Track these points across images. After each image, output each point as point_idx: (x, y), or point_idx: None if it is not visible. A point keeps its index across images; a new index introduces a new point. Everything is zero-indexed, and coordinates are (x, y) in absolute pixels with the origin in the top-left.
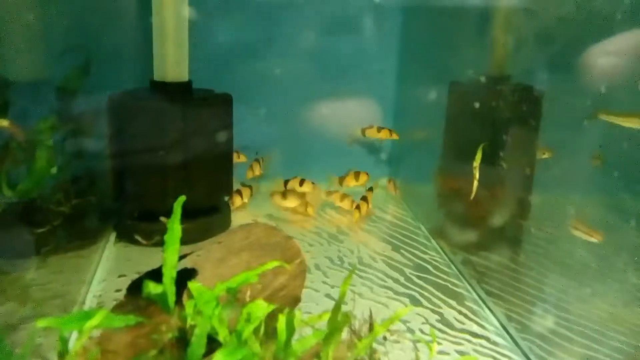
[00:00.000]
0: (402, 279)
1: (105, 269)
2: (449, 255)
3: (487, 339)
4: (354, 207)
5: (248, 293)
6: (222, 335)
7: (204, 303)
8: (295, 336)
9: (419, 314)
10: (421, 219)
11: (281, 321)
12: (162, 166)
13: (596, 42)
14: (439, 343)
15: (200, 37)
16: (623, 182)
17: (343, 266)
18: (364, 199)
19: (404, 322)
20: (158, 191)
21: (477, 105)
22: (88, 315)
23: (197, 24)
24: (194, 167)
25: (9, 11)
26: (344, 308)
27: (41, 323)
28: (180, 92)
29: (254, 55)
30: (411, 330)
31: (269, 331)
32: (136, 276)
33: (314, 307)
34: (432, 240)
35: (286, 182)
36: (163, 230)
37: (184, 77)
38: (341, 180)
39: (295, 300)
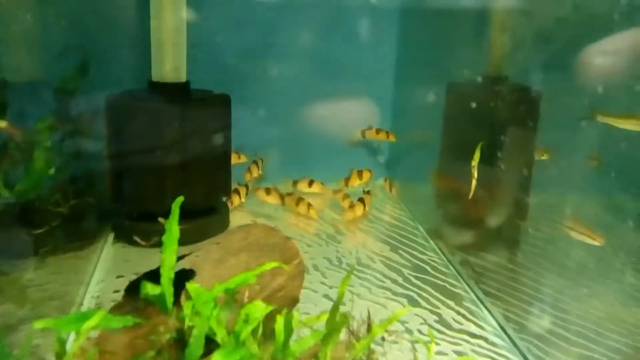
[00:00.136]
0: (400, 280)
1: (104, 269)
2: (447, 255)
3: (485, 340)
4: (348, 205)
5: (246, 294)
6: (220, 336)
7: (202, 304)
8: (294, 337)
9: (417, 315)
10: (419, 220)
11: (279, 322)
12: (160, 167)
13: (593, 42)
14: (437, 343)
15: (199, 37)
16: (620, 182)
17: (341, 267)
18: (361, 200)
19: (402, 322)
20: (156, 192)
21: (474, 105)
22: (86, 316)
23: (196, 24)
24: (192, 167)
25: (7, 12)
26: (342, 309)
27: (39, 324)
28: (178, 92)
29: (252, 56)
30: (409, 331)
31: (267, 332)
32: (134, 277)
33: (312, 308)
34: (430, 241)
35: (295, 183)
36: (161, 231)
37: (182, 77)
38: (346, 181)
39: (294, 301)
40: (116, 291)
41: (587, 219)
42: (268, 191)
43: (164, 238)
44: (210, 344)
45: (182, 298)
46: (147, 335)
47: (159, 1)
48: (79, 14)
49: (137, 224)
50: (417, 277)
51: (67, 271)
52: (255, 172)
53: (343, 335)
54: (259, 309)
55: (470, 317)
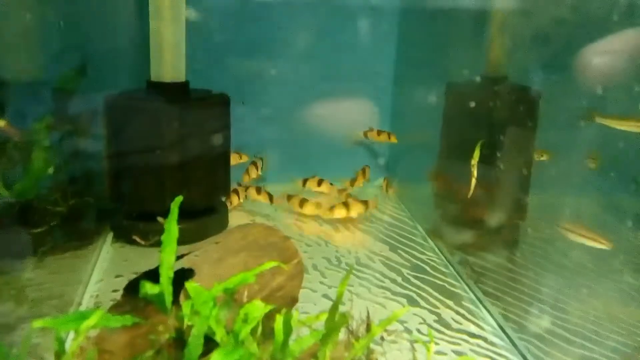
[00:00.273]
0: (399, 279)
1: (102, 269)
2: (446, 255)
3: (485, 339)
4: (329, 206)
5: (245, 293)
6: (219, 335)
7: (201, 303)
8: (293, 336)
9: (416, 314)
10: (418, 219)
11: (278, 321)
12: (159, 166)
13: (592, 43)
14: (436, 343)
15: (198, 37)
16: (619, 182)
17: (340, 266)
18: (345, 204)
19: (402, 322)
20: (155, 191)
21: (474, 105)
22: (85, 315)
23: (196, 23)
24: (191, 167)
25: (5, 11)
26: (341, 308)
27: (38, 323)
28: (177, 92)
29: (251, 56)
30: (409, 331)
31: (266, 331)
32: (133, 276)
33: (311, 308)
34: (430, 241)
35: (304, 182)
36: (160, 230)
37: (181, 77)
38: (352, 182)
39: (293, 301)
40: (115, 290)
41: (587, 219)
42: (259, 190)
43: (163, 238)
44: (210, 343)
45: (181, 297)
46: (146, 335)
47: (158, 0)
48: (78, 14)
49: (136, 223)
50: (416, 277)
51: (66, 270)
52: (254, 174)
53: (342, 334)
54: (258, 309)
55: (469, 316)
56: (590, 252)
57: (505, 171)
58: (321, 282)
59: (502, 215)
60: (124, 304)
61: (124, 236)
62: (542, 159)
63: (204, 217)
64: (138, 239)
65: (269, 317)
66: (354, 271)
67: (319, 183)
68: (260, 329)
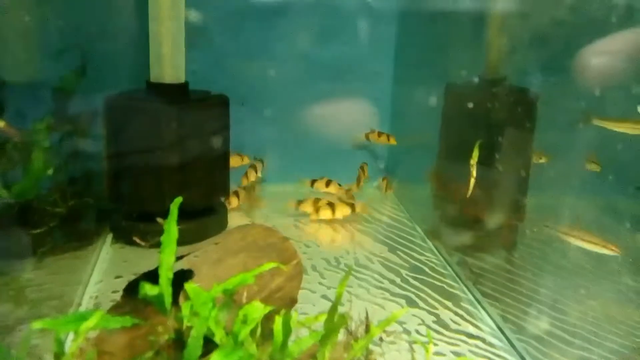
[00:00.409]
0: (398, 280)
1: (102, 270)
2: (445, 256)
3: (483, 340)
4: (316, 207)
5: (245, 294)
6: (219, 336)
7: (201, 304)
8: (292, 337)
9: (415, 315)
10: (417, 220)
11: (278, 322)
12: (159, 167)
13: (590, 44)
14: (435, 344)
15: (198, 38)
16: (617, 184)
17: (339, 267)
18: (331, 205)
19: (400, 323)
20: (155, 192)
21: (472, 107)
22: (84, 316)
23: (195, 24)
24: (190, 168)
25: (5, 12)
26: (340, 309)
27: (37, 324)
28: (176, 93)
29: (251, 57)
30: (407, 332)
31: (265, 332)
32: (133, 277)
33: (310, 308)
34: (428, 242)
35: (312, 182)
36: (160, 231)
37: (181, 78)
38: (358, 181)
39: (292, 302)
40: (115, 291)
41: (585, 221)
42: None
43: (162, 238)
44: (209, 344)
45: (181, 298)
46: (146, 336)
47: (157, 1)
48: (78, 14)
49: (135, 224)
50: (415, 278)
51: (65, 271)
52: (253, 176)
53: (341, 335)
54: (257, 310)
55: (468, 317)
56: (589, 254)
57: (504, 172)
58: (320, 283)
59: (501, 216)
60: (123, 305)
61: (123, 237)
62: (540, 161)
63: (203, 217)
64: (138, 240)
65: (268, 318)
66: (353, 272)
67: (327, 184)
68: (259, 330)
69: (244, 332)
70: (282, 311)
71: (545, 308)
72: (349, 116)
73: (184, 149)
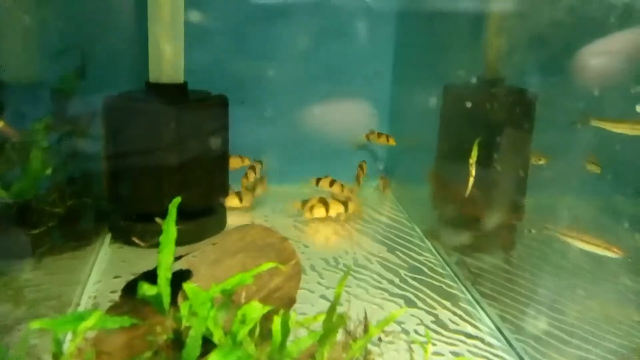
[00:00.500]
0: (397, 280)
1: (101, 270)
2: (444, 256)
3: (482, 340)
4: (309, 205)
5: (243, 294)
6: (217, 336)
7: (199, 304)
8: (291, 337)
9: (413, 315)
10: (416, 220)
11: (276, 322)
12: (158, 168)
13: (589, 44)
14: (433, 344)
15: (197, 38)
16: (616, 184)
17: (338, 267)
18: (323, 201)
19: (399, 323)
20: (154, 192)
21: (471, 107)
22: (83, 316)
23: (195, 25)
24: (189, 168)
25: (4, 13)
26: (339, 309)
27: (35, 324)
28: (175, 93)
29: (250, 57)
30: (406, 332)
31: (264, 332)
32: (131, 277)
33: (309, 308)
34: (427, 242)
35: (317, 181)
36: (159, 231)
37: (180, 78)
38: (357, 180)
39: (291, 302)
40: (113, 291)
41: (584, 221)
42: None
43: (161, 239)
44: (207, 344)
45: (179, 299)
46: (144, 336)
47: (157, 2)
48: (77, 15)
49: (134, 224)
50: (413, 278)
51: (64, 271)
52: (252, 177)
53: (340, 335)
54: (255, 310)
55: (466, 317)
56: (587, 254)
57: (502, 173)
58: (319, 283)
59: (499, 216)
60: (122, 305)
61: (122, 237)
62: (540, 162)
63: (202, 218)
64: (137, 240)
65: (266, 318)
66: (351, 272)
67: (331, 183)
68: (258, 330)
69: (243, 332)
70: (281, 311)
71: (543, 308)
72: (348, 116)
73: (183, 149)
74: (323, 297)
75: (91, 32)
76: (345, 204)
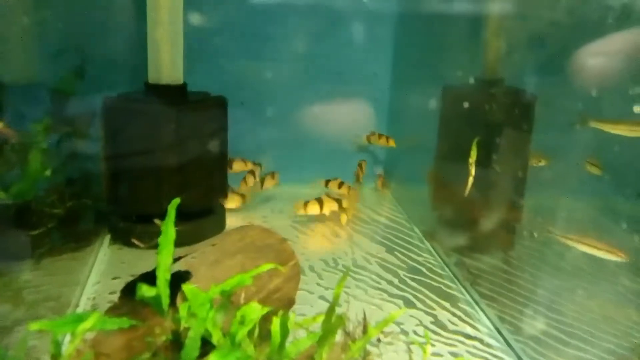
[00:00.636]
0: (396, 281)
1: (100, 271)
2: (443, 257)
3: (481, 341)
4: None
5: (242, 295)
6: (216, 337)
7: (198, 305)
8: (290, 338)
9: (412, 316)
10: (415, 221)
11: (275, 323)
12: (157, 169)
13: (587, 44)
14: (432, 345)
15: (196, 39)
16: (615, 185)
17: (337, 268)
18: (319, 200)
19: (398, 324)
20: (153, 193)
21: (470, 108)
22: (82, 317)
23: (194, 26)
24: (188, 169)
25: (3, 14)
26: (338, 310)
27: (34, 326)
28: (174, 94)
29: (249, 59)
30: (405, 332)
31: (263, 334)
32: (130, 278)
33: (308, 309)
34: (426, 242)
35: (327, 182)
36: (158, 232)
37: (179, 79)
38: (357, 179)
39: (290, 302)
40: (112, 293)
41: (583, 222)
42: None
43: (160, 240)
44: (206, 345)
45: (178, 300)
46: (143, 337)
47: (156, 3)
48: (76, 16)
49: (133, 225)
50: (412, 279)
51: (63, 272)
52: (251, 182)
53: (339, 336)
54: (254, 311)
55: (465, 318)
56: (586, 254)
57: (501, 173)
58: (318, 284)
59: (498, 217)
60: (121, 306)
61: (121, 238)
62: (540, 164)
63: (201, 219)
64: (137, 242)
65: (265, 319)
66: (350, 273)
67: (340, 185)
68: (257, 331)
69: (242, 333)
70: (280, 312)
71: (542, 309)
72: (347, 117)
73: (182, 150)
74: (322, 298)
75: (90, 33)
76: (339, 201)
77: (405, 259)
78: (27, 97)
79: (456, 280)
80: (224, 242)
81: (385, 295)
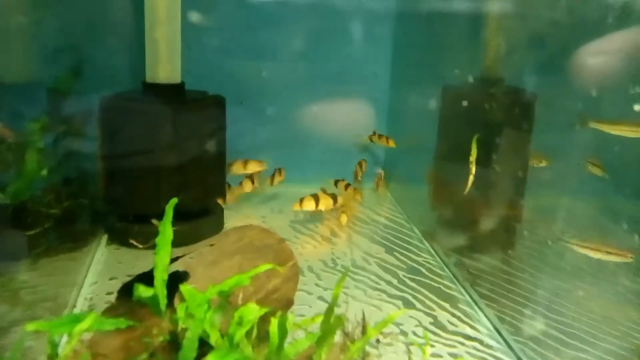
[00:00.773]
0: (395, 282)
1: (97, 271)
2: (443, 257)
3: (480, 342)
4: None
5: (240, 296)
6: (214, 338)
7: (196, 306)
8: (288, 339)
9: (412, 317)
10: (414, 221)
11: (273, 324)
12: (155, 168)
13: (587, 44)
14: (432, 346)
15: (195, 38)
16: (615, 185)
17: (336, 268)
18: (315, 197)
19: (397, 324)
20: (150, 193)
21: (470, 108)
22: (78, 318)
23: (192, 25)
24: (186, 169)
25: (0, 12)
26: (337, 311)
27: (30, 326)
28: (172, 94)
29: (247, 58)
30: (404, 333)
31: (261, 334)
32: (127, 279)
33: (307, 310)
34: (426, 243)
35: (336, 182)
36: (155, 232)
37: (177, 78)
38: (356, 178)
39: (288, 303)
40: (109, 293)
41: (583, 222)
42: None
43: (157, 240)
44: (204, 346)
45: (176, 300)
46: (140, 338)
47: (154, 2)
48: (73, 15)
49: (130, 225)
50: (412, 279)
51: (60, 273)
52: (248, 188)
53: (338, 337)
54: (252, 311)
55: (465, 319)
56: (586, 254)
57: (501, 173)
58: (317, 285)
59: (498, 217)
60: (118, 306)
61: (118, 238)
62: (540, 164)
63: (199, 219)
64: (135, 242)
65: (264, 320)
66: (349, 273)
67: (346, 187)
68: (255, 332)
69: (240, 334)
70: (278, 313)
71: (542, 309)
72: (347, 117)
73: (180, 149)
74: (321, 298)
75: (87, 32)
76: (334, 197)
77: (405, 260)
78: (24, 96)
79: (456, 281)
80: (222, 242)
81: (384, 296)
